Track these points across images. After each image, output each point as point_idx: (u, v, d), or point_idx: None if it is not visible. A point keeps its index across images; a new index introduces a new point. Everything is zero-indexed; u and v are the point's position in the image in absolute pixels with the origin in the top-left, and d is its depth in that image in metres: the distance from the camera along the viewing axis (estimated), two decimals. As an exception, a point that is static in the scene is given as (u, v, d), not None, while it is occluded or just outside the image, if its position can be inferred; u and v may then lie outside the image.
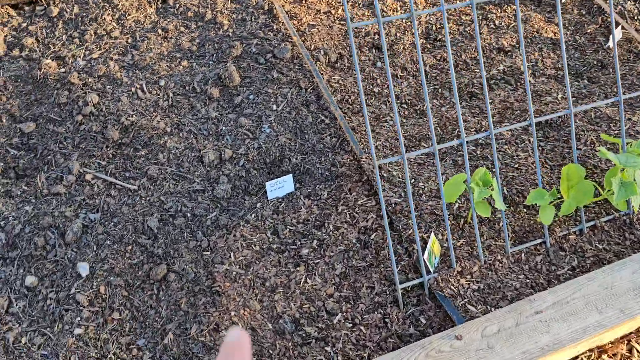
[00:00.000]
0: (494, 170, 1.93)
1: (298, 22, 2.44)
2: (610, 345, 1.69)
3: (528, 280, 1.71)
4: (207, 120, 2.12)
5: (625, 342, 1.70)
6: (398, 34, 2.45)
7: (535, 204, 1.79)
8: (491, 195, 1.70)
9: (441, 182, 1.66)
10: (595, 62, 2.39)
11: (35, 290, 1.76)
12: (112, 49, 2.31)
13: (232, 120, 2.12)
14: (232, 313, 1.69)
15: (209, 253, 1.82)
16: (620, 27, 2.45)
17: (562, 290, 1.61)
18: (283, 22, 2.39)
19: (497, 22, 2.53)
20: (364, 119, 2.15)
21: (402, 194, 1.88)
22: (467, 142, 2.08)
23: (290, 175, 1.94)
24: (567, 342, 1.51)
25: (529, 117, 1.73)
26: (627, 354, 1.70)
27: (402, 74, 2.32)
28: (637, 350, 1.70)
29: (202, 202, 1.93)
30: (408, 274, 1.74)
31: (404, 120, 2.17)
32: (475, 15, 1.58)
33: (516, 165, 1.99)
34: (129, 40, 2.35)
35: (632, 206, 1.79)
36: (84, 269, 1.79)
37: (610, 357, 1.69)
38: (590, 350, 1.67)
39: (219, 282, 1.75)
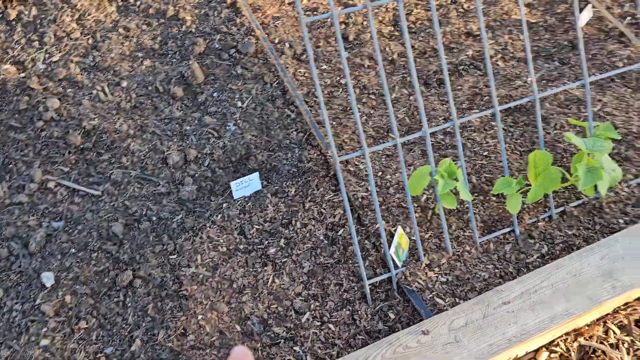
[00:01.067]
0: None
1: (262, 15, 2.39)
2: (586, 327, 1.68)
3: (497, 270, 1.69)
4: (171, 120, 2.08)
5: (602, 323, 1.69)
6: (365, 23, 2.41)
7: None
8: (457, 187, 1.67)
9: (405, 175, 1.63)
10: (565, 43, 2.36)
11: (0, 303, 1.73)
12: (72, 51, 2.26)
13: (197, 119, 2.08)
14: (200, 317, 1.67)
15: (175, 256, 1.79)
16: (590, 5, 2.41)
17: (530, 280, 1.60)
18: (246, 16, 2.34)
19: (465, 6, 2.48)
20: (328, 112, 2.11)
21: (369, 188, 1.86)
22: (434, 132, 2.04)
23: (257, 174, 1.91)
24: (535, 332, 1.50)
25: (496, 105, 1.69)
26: (604, 335, 1.69)
27: (369, 64, 2.28)
28: (613, 332, 1.69)
29: (168, 205, 1.90)
30: (376, 269, 1.72)
31: (372, 112, 2.14)
32: (432, 1, 1.54)
33: (485, 153, 1.96)
34: (90, 41, 2.29)
35: (600, 191, 1.77)
36: (48, 278, 1.76)
37: (587, 340, 1.68)
38: (567, 333, 1.66)
39: (186, 286, 1.72)
